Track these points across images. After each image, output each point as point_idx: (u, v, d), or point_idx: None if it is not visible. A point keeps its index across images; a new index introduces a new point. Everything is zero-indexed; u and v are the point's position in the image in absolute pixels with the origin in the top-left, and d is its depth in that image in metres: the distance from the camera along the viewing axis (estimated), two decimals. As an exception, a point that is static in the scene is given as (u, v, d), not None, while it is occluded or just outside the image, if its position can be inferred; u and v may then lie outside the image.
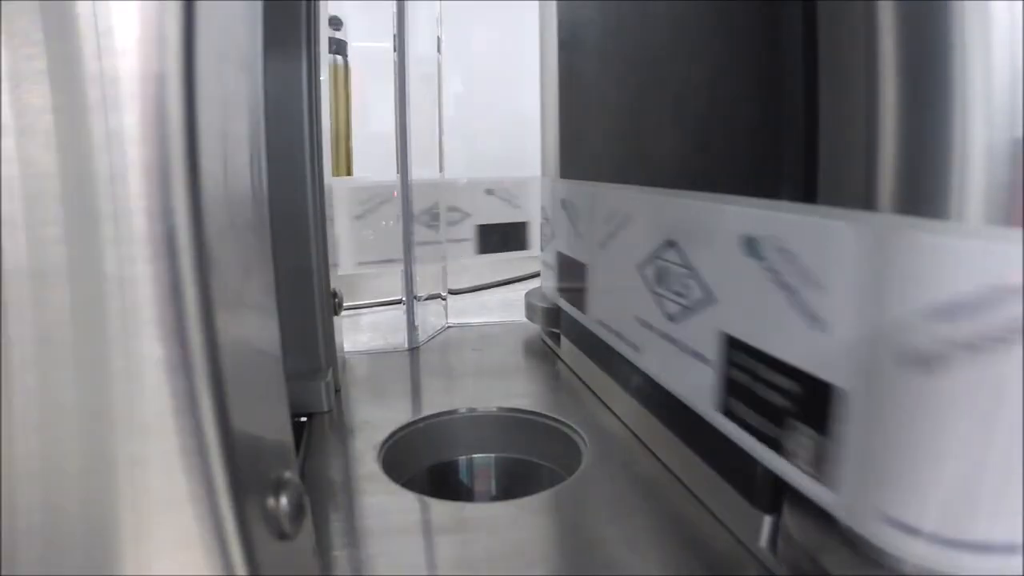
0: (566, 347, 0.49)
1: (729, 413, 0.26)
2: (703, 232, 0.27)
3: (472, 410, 0.40)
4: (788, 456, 0.22)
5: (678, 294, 0.29)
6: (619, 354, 0.37)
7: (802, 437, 0.21)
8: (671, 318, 0.30)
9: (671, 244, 0.30)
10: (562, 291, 0.49)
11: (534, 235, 0.62)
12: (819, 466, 0.21)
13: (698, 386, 0.28)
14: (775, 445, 0.23)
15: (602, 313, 0.40)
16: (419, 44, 0.54)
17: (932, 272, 0.17)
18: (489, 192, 0.61)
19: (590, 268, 0.42)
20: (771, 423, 0.23)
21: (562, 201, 0.47)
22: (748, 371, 0.24)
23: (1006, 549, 0.17)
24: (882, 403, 0.18)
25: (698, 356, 0.28)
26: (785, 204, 0.22)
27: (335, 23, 0.72)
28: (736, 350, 0.25)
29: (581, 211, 0.43)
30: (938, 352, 0.16)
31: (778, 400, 0.22)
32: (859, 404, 0.19)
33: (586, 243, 0.42)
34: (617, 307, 0.37)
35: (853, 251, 0.19)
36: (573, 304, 0.46)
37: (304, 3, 0.38)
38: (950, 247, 0.16)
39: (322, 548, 0.26)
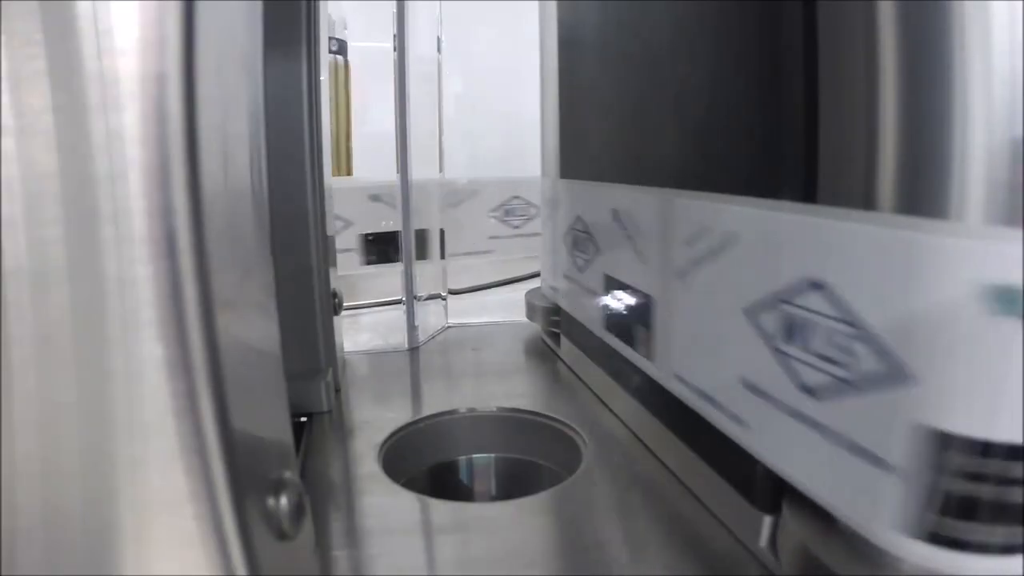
0: (566, 347, 0.49)
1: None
2: (889, 273, 0.18)
3: (472, 410, 0.40)
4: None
5: (827, 360, 0.21)
6: (619, 354, 0.37)
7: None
8: (811, 392, 0.21)
9: (816, 286, 0.21)
10: (611, 327, 0.39)
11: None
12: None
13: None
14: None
15: (683, 366, 0.30)
16: (419, 44, 0.54)
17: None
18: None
19: (659, 303, 0.32)
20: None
21: (613, 211, 0.37)
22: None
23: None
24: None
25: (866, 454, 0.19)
26: None
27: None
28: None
29: (645, 225, 0.33)
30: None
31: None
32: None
33: (653, 268, 0.33)
34: (710, 362, 0.28)
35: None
36: (630, 345, 0.36)
37: (304, 3, 0.38)
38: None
39: (322, 548, 0.26)
